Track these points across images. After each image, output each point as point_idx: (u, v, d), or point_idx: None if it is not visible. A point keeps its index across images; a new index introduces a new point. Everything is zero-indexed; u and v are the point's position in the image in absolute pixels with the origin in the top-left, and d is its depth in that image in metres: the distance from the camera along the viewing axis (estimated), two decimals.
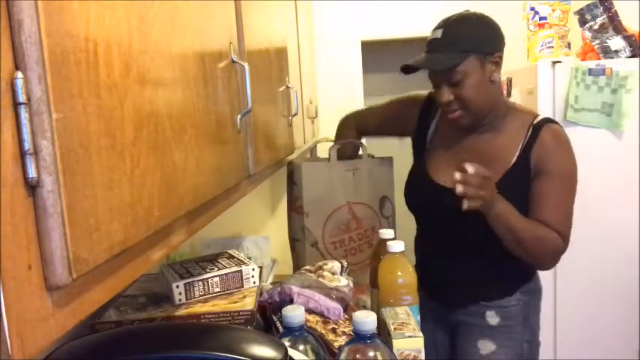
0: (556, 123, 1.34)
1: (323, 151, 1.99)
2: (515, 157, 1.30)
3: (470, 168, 1.16)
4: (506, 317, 1.37)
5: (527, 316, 1.39)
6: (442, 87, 1.27)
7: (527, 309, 1.39)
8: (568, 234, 1.29)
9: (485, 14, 1.30)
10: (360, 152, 1.79)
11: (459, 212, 1.26)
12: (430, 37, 1.28)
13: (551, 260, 1.32)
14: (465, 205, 1.17)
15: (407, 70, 1.31)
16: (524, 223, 1.25)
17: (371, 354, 0.85)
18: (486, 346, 1.37)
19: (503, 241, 1.26)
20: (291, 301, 1.19)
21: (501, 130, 1.34)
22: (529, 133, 1.29)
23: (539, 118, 1.33)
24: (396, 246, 1.23)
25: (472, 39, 1.25)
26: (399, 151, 1.95)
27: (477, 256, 1.36)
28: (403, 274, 1.22)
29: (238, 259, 1.16)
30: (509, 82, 2.64)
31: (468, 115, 1.30)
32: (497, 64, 1.27)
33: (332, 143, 1.76)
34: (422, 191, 1.44)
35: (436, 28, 1.28)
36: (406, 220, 1.65)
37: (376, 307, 1.35)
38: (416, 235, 1.54)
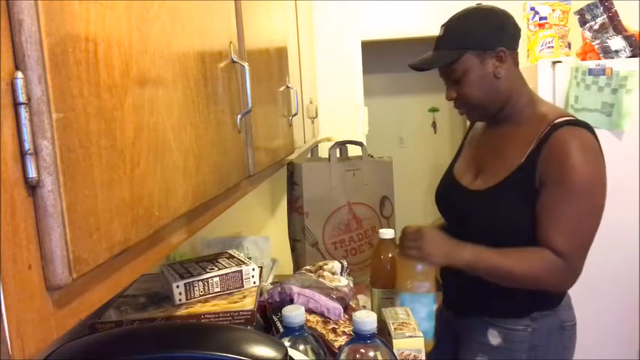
0: (581, 126, 1.17)
1: (324, 151, 1.99)
2: (523, 159, 1.19)
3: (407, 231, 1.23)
4: (510, 340, 1.25)
5: (536, 346, 1.24)
6: (448, 85, 1.27)
7: (537, 339, 1.24)
8: (574, 254, 1.14)
9: (496, 7, 1.25)
10: (361, 153, 1.79)
11: (473, 212, 1.27)
12: (438, 35, 1.28)
13: (556, 286, 1.19)
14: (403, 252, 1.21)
15: (415, 68, 1.30)
16: (508, 258, 1.15)
17: (371, 354, 0.85)
18: None
19: (499, 283, 1.18)
20: (291, 301, 1.19)
21: (520, 124, 1.25)
22: (543, 134, 1.17)
23: (563, 118, 1.18)
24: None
25: (468, 36, 1.22)
26: (399, 151, 1.95)
27: None
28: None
29: (238, 259, 1.16)
30: None
31: (474, 112, 1.29)
32: (501, 59, 1.21)
33: (333, 143, 1.76)
34: (444, 190, 1.41)
35: (442, 25, 1.27)
36: (406, 220, 1.65)
37: (377, 307, 1.35)
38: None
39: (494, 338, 1.27)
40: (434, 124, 4.58)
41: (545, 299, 1.25)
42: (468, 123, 1.52)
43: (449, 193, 1.39)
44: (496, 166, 1.26)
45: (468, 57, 1.21)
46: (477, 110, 1.28)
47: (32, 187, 0.35)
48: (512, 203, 1.20)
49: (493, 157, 1.29)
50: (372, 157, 1.81)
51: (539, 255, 1.14)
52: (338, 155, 1.79)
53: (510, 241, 1.20)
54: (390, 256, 1.39)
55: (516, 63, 1.26)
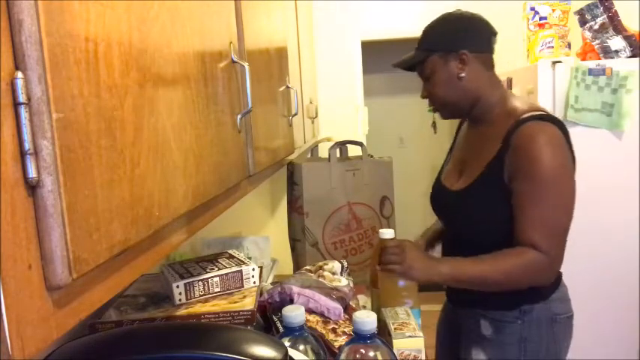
0: (547, 120, 1.20)
1: (324, 151, 1.99)
2: (492, 155, 1.22)
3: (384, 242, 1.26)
4: (500, 332, 1.28)
5: (527, 339, 1.27)
6: (423, 84, 1.35)
7: (527, 331, 1.27)
8: (552, 246, 1.16)
9: (472, 13, 1.31)
10: (361, 153, 1.79)
11: (456, 213, 1.33)
12: None
13: (539, 280, 1.21)
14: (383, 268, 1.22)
15: (396, 65, 1.39)
16: (485, 265, 1.18)
17: (371, 354, 0.85)
18: (479, 356, 1.32)
19: (488, 290, 1.22)
20: (292, 301, 1.19)
21: (493, 122, 1.28)
22: (510, 129, 1.20)
23: (530, 113, 1.21)
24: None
25: (435, 38, 1.31)
26: (399, 151, 1.95)
27: None
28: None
29: (238, 259, 1.16)
30: (509, 82, 2.64)
31: (443, 110, 1.35)
32: (464, 61, 1.26)
33: (333, 143, 1.76)
34: (434, 193, 1.46)
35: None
36: (406, 220, 1.65)
37: (376, 307, 1.35)
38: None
39: (485, 329, 1.30)
40: (434, 124, 4.57)
41: (534, 292, 1.25)
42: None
43: (438, 196, 1.43)
44: (473, 165, 1.30)
45: (433, 58, 1.29)
46: (446, 108, 1.34)
47: (32, 187, 0.35)
48: (485, 201, 1.24)
49: (471, 156, 1.34)
50: (372, 157, 1.81)
51: (519, 255, 1.17)
52: (338, 155, 1.79)
53: (492, 238, 1.22)
54: None
55: (487, 65, 1.30)
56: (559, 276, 1.32)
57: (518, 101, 1.29)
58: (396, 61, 1.37)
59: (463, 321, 1.39)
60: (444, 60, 1.28)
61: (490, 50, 1.30)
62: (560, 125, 1.20)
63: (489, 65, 1.30)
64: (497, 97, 1.30)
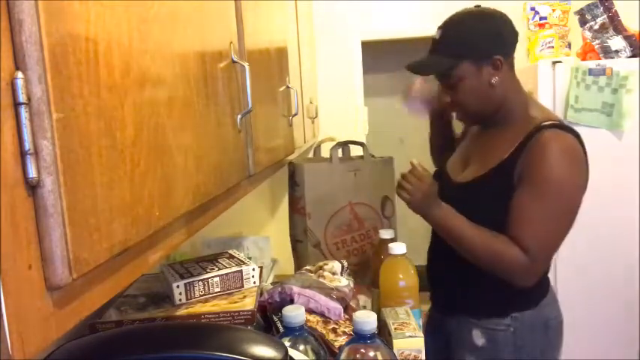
0: (567, 130, 1.18)
1: (326, 150, 1.99)
2: (506, 156, 1.20)
3: (413, 165, 1.23)
4: (493, 341, 1.25)
5: (521, 348, 1.24)
6: (442, 89, 1.27)
7: (520, 339, 1.24)
8: (538, 252, 1.15)
9: (494, 11, 1.22)
10: (362, 153, 1.79)
11: (456, 204, 1.26)
12: (433, 36, 1.25)
13: (513, 278, 1.17)
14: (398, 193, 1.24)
15: (411, 71, 1.27)
16: (475, 232, 1.18)
17: (371, 354, 0.85)
18: None
19: (459, 250, 1.21)
20: (292, 301, 1.19)
21: (510, 124, 1.24)
22: (528, 134, 1.18)
23: (551, 121, 1.19)
24: (398, 248, 1.23)
25: (466, 43, 1.19)
26: (399, 151, 1.94)
27: (471, 265, 1.22)
28: (405, 277, 1.23)
29: (238, 259, 1.16)
30: None
31: (467, 118, 1.31)
32: (497, 67, 1.19)
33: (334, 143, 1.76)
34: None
35: (438, 27, 1.24)
36: (408, 220, 1.65)
37: (377, 307, 1.35)
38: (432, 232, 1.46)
39: (478, 339, 1.27)
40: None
41: (524, 298, 1.24)
42: None
43: (442, 193, 1.38)
44: (481, 161, 1.28)
45: (464, 65, 1.19)
46: (470, 116, 1.30)
47: (32, 187, 0.35)
48: (489, 197, 1.21)
49: (480, 152, 1.31)
50: (373, 157, 1.80)
51: (506, 244, 1.15)
52: (340, 155, 1.78)
53: None
54: None
55: (512, 67, 1.25)
56: (547, 281, 1.30)
57: (538, 108, 1.27)
58: (407, 62, 1.26)
59: (453, 329, 1.34)
60: (477, 67, 1.18)
61: (514, 52, 1.24)
62: (578, 137, 1.19)
63: (513, 67, 1.25)
64: (519, 101, 1.26)
